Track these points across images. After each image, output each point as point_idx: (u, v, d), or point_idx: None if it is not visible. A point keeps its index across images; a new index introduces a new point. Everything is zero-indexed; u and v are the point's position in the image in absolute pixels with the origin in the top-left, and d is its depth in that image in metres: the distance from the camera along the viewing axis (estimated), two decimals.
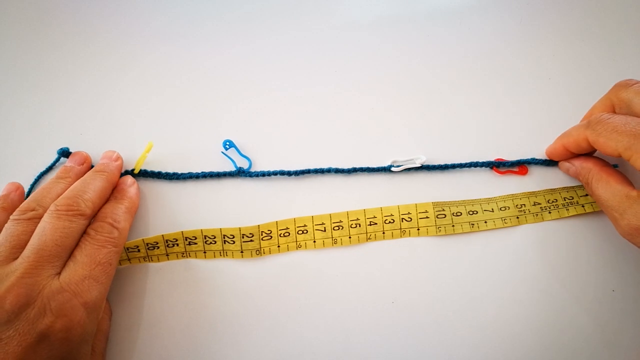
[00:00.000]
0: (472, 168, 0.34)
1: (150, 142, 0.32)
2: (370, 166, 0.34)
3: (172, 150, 0.34)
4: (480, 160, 0.34)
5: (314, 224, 0.32)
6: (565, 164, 0.33)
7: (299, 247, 0.31)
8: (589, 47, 0.39)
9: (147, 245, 0.30)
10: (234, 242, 0.31)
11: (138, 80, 0.36)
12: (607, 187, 0.29)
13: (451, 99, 0.36)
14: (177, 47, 0.37)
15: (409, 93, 0.36)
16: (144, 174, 0.33)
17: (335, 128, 0.35)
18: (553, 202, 0.33)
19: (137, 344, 0.29)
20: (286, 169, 0.33)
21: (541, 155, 0.35)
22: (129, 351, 0.29)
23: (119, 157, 0.32)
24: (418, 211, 0.32)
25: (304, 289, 0.31)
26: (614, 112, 0.30)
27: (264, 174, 0.33)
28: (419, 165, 0.33)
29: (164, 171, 0.33)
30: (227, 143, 0.34)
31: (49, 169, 0.32)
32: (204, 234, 0.31)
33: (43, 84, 0.35)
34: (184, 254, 0.31)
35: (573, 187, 0.33)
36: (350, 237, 0.32)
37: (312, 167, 0.33)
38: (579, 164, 0.31)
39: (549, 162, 0.34)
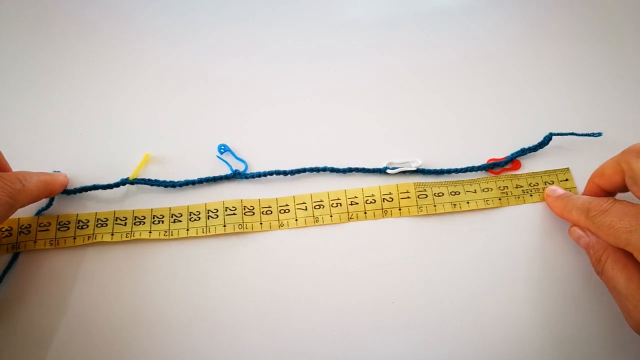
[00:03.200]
0: (469, 173, 0.34)
1: (147, 153, 0.34)
2: (365, 167, 0.34)
3: (167, 155, 0.34)
4: (477, 161, 0.34)
5: (295, 203, 0.33)
6: (577, 232, 0.30)
7: (281, 225, 0.32)
8: (589, 47, 0.39)
9: (135, 218, 0.31)
10: (218, 217, 0.32)
11: (133, 85, 0.37)
12: (624, 272, 0.26)
13: (451, 99, 0.37)
14: (173, 51, 0.39)
15: (406, 93, 0.37)
16: (140, 182, 0.33)
17: (330, 129, 0.36)
18: (534, 185, 0.33)
19: (132, 339, 0.28)
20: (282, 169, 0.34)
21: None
22: (125, 347, 0.28)
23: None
24: (399, 191, 0.33)
25: (297, 284, 0.30)
26: (623, 177, 0.28)
27: (260, 175, 0.33)
28: (415, 168, 0.34)
29: (160, 179, 0.33)
30: (222, 147, 0.35)
31: (49, 205, 0.32)
32: (190, 210, 0.32)
33: (42, 83, 0.36)
34: (167, 233, 0.31)
35: (554, 170, 0.34)
36: (331, 216, 0.32)
37: (307, 167, 0.34)
38: (595, 238, 0.28)
39: (538, 146, 0.34)
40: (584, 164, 0.33)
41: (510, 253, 0.31)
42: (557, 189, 0.32)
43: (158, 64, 0.38)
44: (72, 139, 0.35)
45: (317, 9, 0.42)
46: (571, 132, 0.34)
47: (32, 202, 0.29)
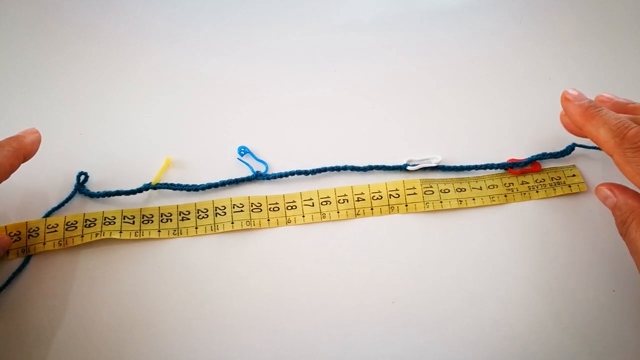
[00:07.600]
0: (488, 170, 0.34)
1: (169, 158, 0.34)
2: (386, 164, 0.34)
3: (187, 159, 0.34)
4: (492, 159, 0.34)
5: (302, 199, 0.33)
6: (604, 191, 0.28)
7: (288, 222, 0.32)
8: (589, 47, 0.39)
9: (143, 217, 0.31)
10: (225, 214, 0.32)
11: (153, 89, 0.37)
12: None
13: (454, 98, 0.37)
14: (181, 52, 0.39)
15: (421, 92, 0.37)
16: (163, 187, 0.33)
17: (349, 127, 0.36)
18: (541, 181, 0.33)
19: (132, 340, 0.28)
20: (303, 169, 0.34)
21: (549, 148, 0.34)
22: (125, 348, 0.28)
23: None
24: (406, 187, 0.33)
25: (296, 284, 0.30)
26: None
27: (281, 175, 0.33)
28: (435, 165, 0.34)
29: (183, 183, 0.33)
30: (242, 149, 0.35)
31: (66, 201, 0.32)
32: (197, 207, 0.32)
33: (43, 83, 0.36)
34: (175, 232, 0.32)
35: (561, 167, 0.34)
36: (338, 212, 0.32)
37: (328, 166, 0.34)
38: (622, 199, 0.27)
39: (559, 154, 0.34)
40: (591, 164, 0.34)
41: (512, 251, 0.31)
42: (581, 94, 0.28)
43: (175, 68, 0.38)
44: (86, 142, 0.35)
45: (331, 6, 0.42)
46: (593, 145, 0.33)
47: (8, 176, 0.28)
